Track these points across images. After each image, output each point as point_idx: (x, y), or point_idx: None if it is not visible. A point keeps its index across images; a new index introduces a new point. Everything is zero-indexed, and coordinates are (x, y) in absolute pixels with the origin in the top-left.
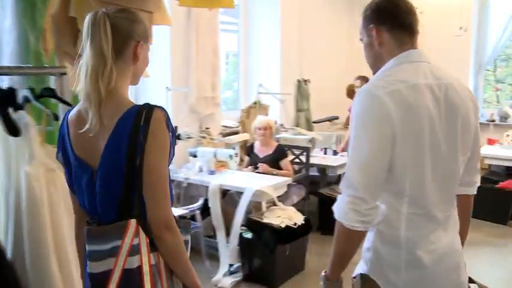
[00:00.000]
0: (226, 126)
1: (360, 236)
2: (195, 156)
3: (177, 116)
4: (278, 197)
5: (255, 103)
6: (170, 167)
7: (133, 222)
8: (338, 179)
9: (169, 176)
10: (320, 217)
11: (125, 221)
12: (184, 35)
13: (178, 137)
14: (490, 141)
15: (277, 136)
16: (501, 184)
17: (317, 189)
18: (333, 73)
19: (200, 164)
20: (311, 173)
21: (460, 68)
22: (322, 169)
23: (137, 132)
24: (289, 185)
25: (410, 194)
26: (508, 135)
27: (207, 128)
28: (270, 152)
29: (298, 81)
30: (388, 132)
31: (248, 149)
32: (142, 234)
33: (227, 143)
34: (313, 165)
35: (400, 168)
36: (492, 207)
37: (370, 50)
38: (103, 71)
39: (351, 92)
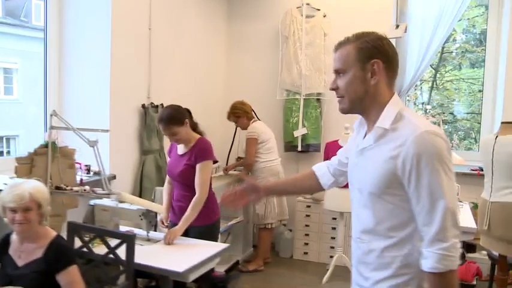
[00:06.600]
0: None
1: None
2: None
3: None
4: None
5: (45, 146)
6: None
7: None
8: None
9: None
10: None
11: None
12: None
13: None
14: None
15: (92, 203)
16: None
17: None
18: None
19: None
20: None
21: None
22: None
23: None
24: None
25: None
26: None
27: None
28: (39, 255)
29: (144, 107)
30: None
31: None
32: None
33: None
34: (140, 267)
35: None
36: None
37: (361, 84)
38: None
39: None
